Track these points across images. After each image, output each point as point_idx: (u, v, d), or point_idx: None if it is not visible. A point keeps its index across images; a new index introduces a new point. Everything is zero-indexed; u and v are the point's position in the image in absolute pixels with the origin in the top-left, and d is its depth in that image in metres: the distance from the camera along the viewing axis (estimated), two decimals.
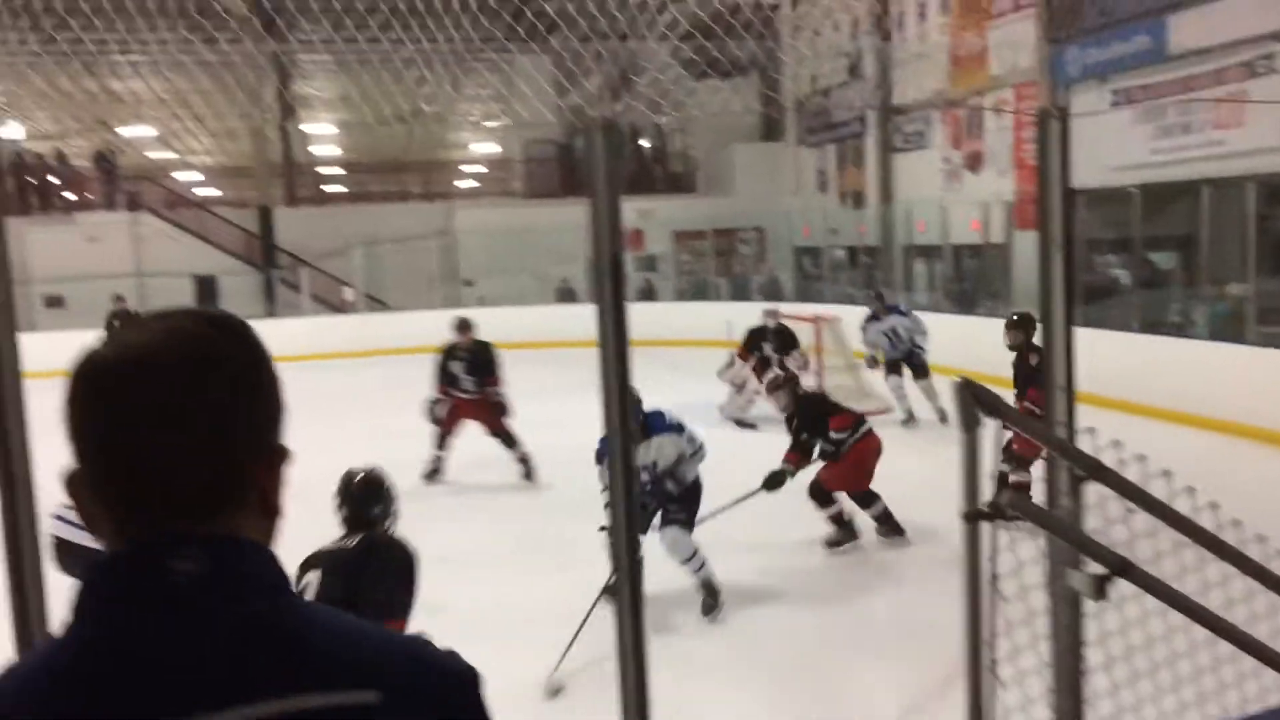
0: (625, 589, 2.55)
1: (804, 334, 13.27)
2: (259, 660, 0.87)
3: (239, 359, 0.95)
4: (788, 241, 22.13)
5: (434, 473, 9.62)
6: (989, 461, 2.44)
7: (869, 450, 7.33)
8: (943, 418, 10.86)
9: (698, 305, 21.30)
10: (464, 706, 0.95)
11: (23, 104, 21.98)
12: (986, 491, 2.45)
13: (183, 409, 0.90)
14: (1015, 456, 7.19)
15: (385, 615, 3.69)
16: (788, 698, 5.05)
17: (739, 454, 10.25)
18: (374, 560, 3.93)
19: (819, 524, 7.46)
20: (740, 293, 21.99)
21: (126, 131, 26.80)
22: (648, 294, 22.80)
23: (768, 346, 12.01)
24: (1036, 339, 7.28)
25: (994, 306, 15.86)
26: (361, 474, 4.26)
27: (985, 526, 2.47)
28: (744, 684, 5.19)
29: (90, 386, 0.91)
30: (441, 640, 1.01)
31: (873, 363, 11.81)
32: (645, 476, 6.02)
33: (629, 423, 2.72)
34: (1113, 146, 13.35)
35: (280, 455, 0.98)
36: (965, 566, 2.51)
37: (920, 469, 8.52)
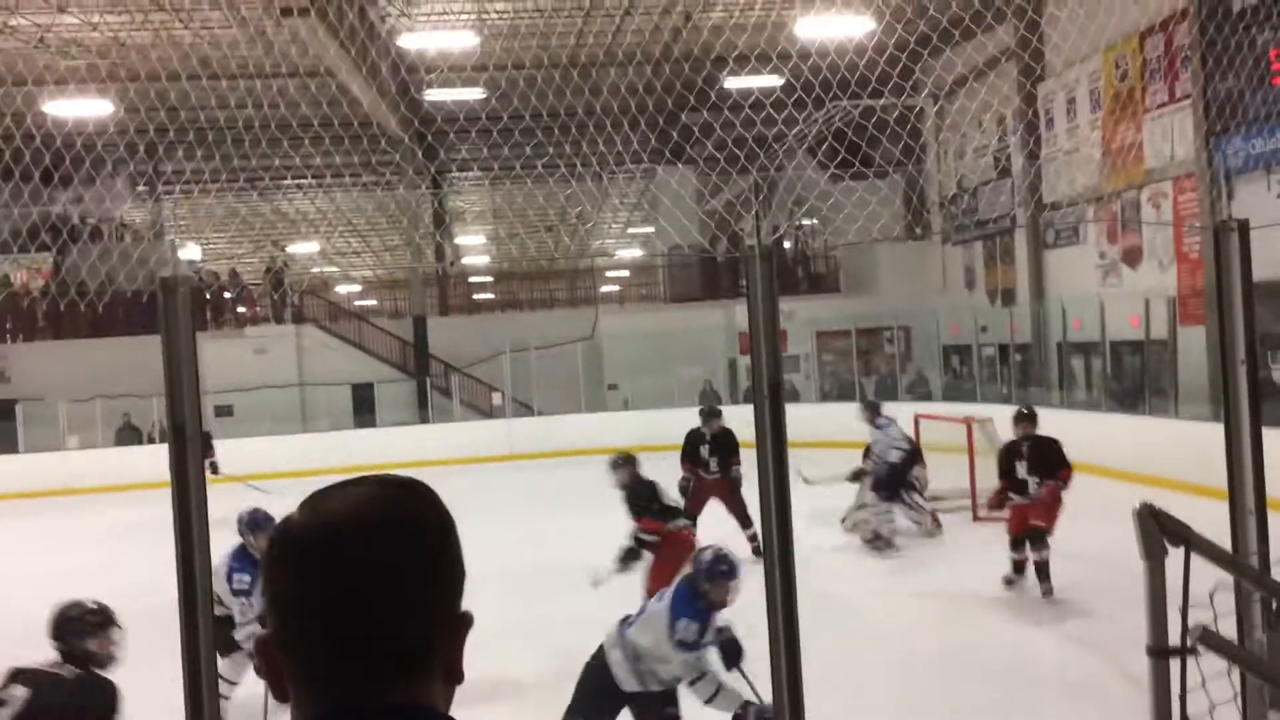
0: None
1: (955, 434, 12.90)
2: None
3: (430, 526, 0.96)
4: (934, 340, 21.70)
5: None
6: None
7: (684, 546, 7.54)
8: (876, 544, 10.41)
9: (840, 406, 20.98)
10: None
11: (201, 227, 23.66)
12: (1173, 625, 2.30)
13: (379, 576, 0.92)
14: (1035, 532, 8.32)
15: None
16: None
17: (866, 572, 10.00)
18: (88, 696, 3.99)
19: (964, 624, 7.15)
20: (886, 393, 21.57)
21: (293, 248, 28.50)
22: (790, 395, 22.61)
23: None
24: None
25: (1162, 406, 15.11)
26: (78, 607, 4.26)
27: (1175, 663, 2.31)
28: None
29: (287, 554, 0.94)
30: None
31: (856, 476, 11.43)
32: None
33: (789, 541, 2.68)
34: None
35: (465, 621, 0.98)
36: (1153, 705, 2.35)
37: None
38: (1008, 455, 8.93)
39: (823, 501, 11.87)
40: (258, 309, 25.09)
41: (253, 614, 6.40)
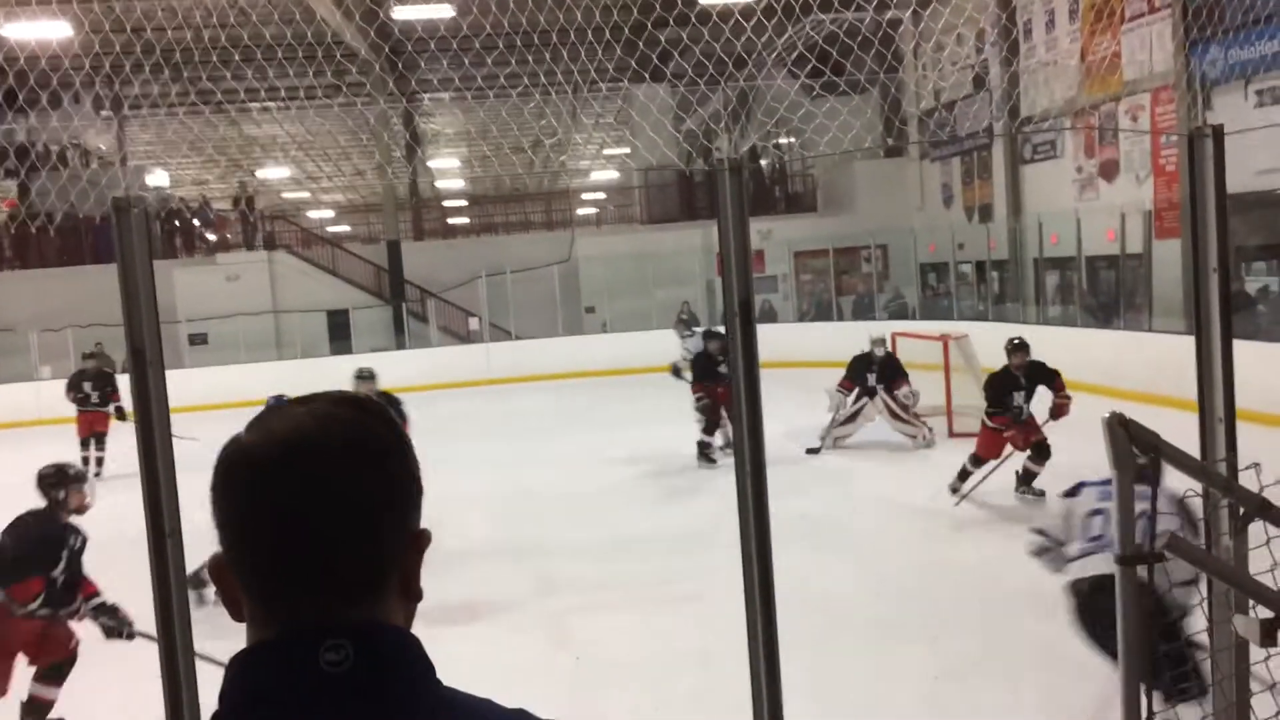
0: (758, 614, 2.50)
1: (932, 352, 12.97)
2: None
3: (384, 442, 0.94)
4: (912, 258, 21.71)
5: (708, 457, 11.19)
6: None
7: None
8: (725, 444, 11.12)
9: (819, 325, 21.07)
10: None
11: (168, 153, 23.23)
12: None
13: (331, 495, 0.90)
14: (975, 457, 8.91)
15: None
16: None
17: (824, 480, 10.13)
18: (44, 531, 5.27)
19: (939, 538, 7.27)
20: (863, 311, 21.64)
21: (263, 174, 27.99)
22: (768, 315, 22.63)
23: (872, 377, 11.60)
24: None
25: (1136, 320, 15.22)
26: (53, 466, 5.48)
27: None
28: (878, 713, 5.04)
29: (237, 474, 0.91)
30: None
31: (676, 373, 12.80)
32: None
33: (761, 455, 2.68)
34: (1259, 149, 12.69)
35: (421, 539, 0.96)
36: (1121, 610, 2.37)
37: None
38: (1003, 384, 8.92)
39: (799, 419, 11.98)
40: (229, 236, 24.76)
41: None
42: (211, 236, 24.67)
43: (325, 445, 0.91)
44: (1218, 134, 2.35)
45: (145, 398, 2.14)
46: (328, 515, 0.89)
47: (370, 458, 0.92)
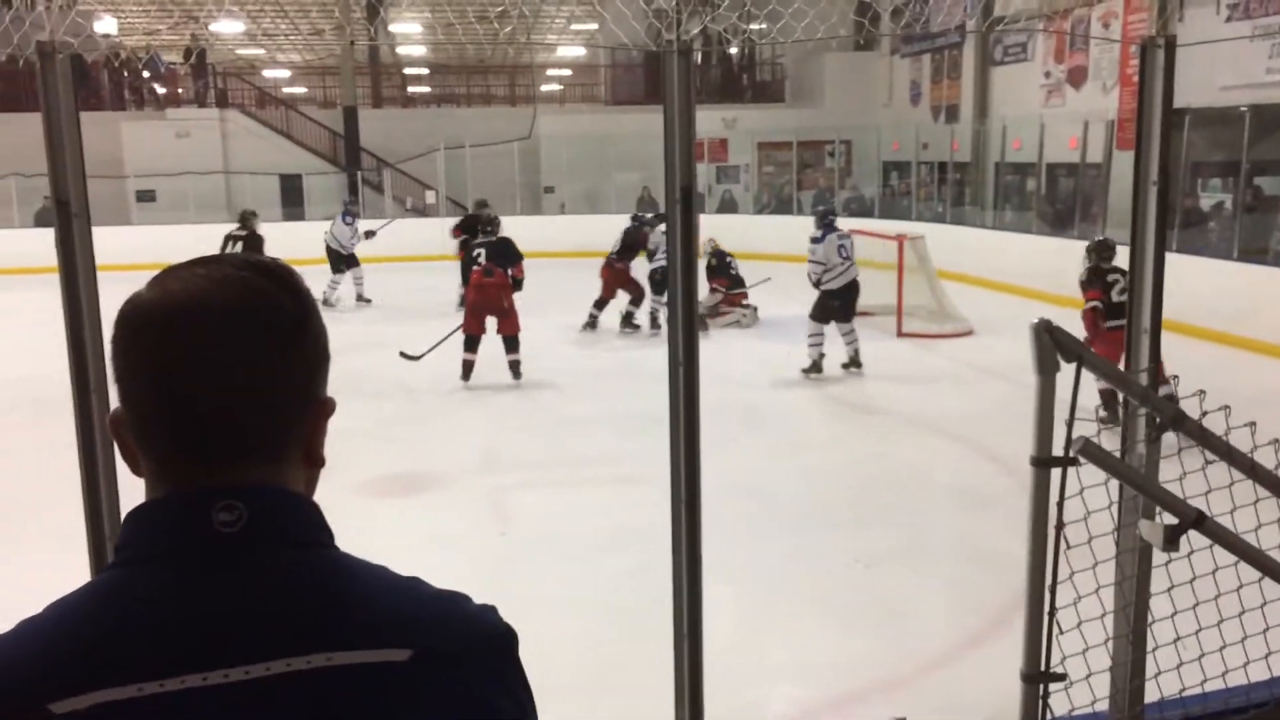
0: (683, 511, 2.55)
1: (888, 252, 13.01)
2: (290, 615, 0.87)
3: (285, 307, 0.93)
4: (875, 155, 21.58)
5: (590, 325, 12.52)
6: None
7: None
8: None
9: (778, 219, 20.98)
10: (497, 666, 0.93)
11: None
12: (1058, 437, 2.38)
13: (227, 357, 0.89)
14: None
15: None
16: (838, 614, 5.05)
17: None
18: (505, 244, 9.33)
19: (876, 434, 7.42)
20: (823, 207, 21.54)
21: (216, 27, 26.85)
22: (728, 206, 22.49)
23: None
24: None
25: (1090, 230, 15.34)
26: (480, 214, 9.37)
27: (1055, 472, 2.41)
28: (794, 596, 5.21)
29: (135, 331, 0.90)
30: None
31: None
32: None
33: (694, 346, 2.71)
34: (1225, 65, 12.66)
35: (325, 406, 0.96)
36: (1031, 512, 2.46)
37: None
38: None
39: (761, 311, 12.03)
40: (180, 91, 23.93)
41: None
42: (161, 90, 23.82)
43: (216, 308, 0.89)
44: (1170, 44, 2.34)
45: (70, 251, 2.10)
46: (218, 377, 0.89)
47: (264, 323, 0.91)
